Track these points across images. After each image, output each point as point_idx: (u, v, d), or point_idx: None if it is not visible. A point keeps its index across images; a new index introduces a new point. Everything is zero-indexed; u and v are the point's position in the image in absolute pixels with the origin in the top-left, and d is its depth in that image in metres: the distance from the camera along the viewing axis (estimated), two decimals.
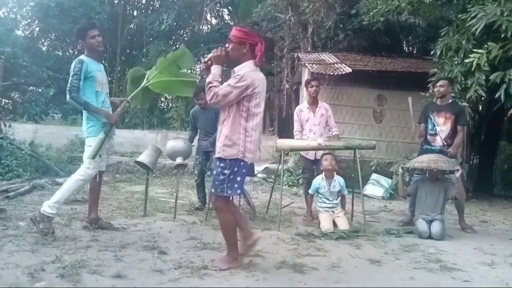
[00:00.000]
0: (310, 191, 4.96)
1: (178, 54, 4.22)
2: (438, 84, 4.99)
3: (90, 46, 3.90)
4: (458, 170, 4.51)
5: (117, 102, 4.16)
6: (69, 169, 7.63)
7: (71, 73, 3.74)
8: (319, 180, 4.86)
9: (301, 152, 5.41)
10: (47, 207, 3.61)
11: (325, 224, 4.48)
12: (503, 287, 3.03)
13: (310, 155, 5.26)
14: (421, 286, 2.93)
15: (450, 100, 5.07)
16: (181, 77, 4.31)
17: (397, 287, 2.91)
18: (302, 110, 5.35)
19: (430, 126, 5.01)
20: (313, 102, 5.32)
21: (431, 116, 4.99)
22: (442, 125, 4.92)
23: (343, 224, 4.54)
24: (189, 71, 4.54)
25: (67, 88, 3.74)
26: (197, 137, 5.63)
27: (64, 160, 8.47)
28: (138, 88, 4.19)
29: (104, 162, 4.06)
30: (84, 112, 3.88)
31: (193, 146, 5.49)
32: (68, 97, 3.74)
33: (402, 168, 5.01)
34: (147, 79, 4.16)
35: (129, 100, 4.18)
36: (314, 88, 5.29)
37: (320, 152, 5.16)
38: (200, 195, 5.48)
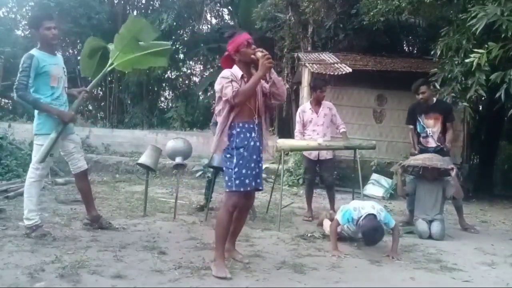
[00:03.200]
0: (341, 222, 3.86)
1: (132, 27, 3.94)
2: (419, 91, 4.99)
3: (44, 38, 3.64)
4: (452, 169, 4.51)
5: (74, 93, 3.92)
6: (68, 169, 7.59)
7: (20, 69, 3.50)
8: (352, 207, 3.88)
9: (304, 153, 5.38)
10: (26, 221, 3.59)
11: (328, 226, 4.36)
12: (503, 287, 3.02)
13: (313, 156, 5.22)
14: (421, 286, 2.92)
15: (435, 100, 5.11)
16: (150, 49, 4.08)
17: (397, 287, 2.91)
18: (304, 111, 5.32)
19: (419, 128, 5.05)
20: (317, 103, 5.28)
21: (419, 118, 5.03)
22: (432, 127, 4.99)
23: None
24: None
25: (14, 86, 3.51)
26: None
27: (63, 160, 8.31)
28: (100, 75, 4.02)
29: (82, 162, 3.92)
30: None
31: None
32: (15, 95, 3.54)
33: (400, 166, 4.97)
34: (110, 63, 3.96)
35: (87, 90, 3.96)
36: (323, 94, 5.25)
37: (323, 153, 5.14)
38: (207, 192, 5.41)
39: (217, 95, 3.13)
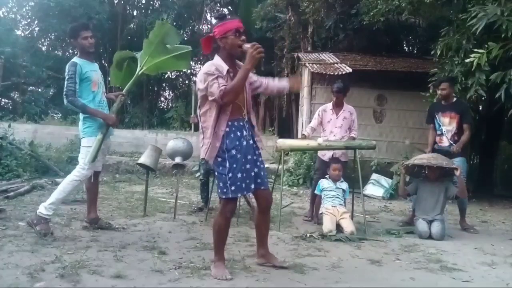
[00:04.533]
0: (316, 191, 4.89)
1: (160, 32, 4.14)
2: (440, 87, 5.04)
3: (82, 47, 3.89)
4: (457, 169, 4.51)
5: (112, 97, 4.14)
6: (68, 169, 7.58)
7: (66, 77, 3.73)
8: (324, 181, 4.84)
9: (319, 153, 5.34)
10: (43, 209, 3.60)
11: (328, 225, 4.34)
12: (503, 287, 3.02)
13: (327, 157, 5.15)
14: (421, 286, 2.92)
15: (454, 99, 5.11)
16: (173, 52, 4.27)
17: (397, 287, 2.91)
18: (325, 110, 5.24)
19: (436, 126, 5.05)
20: (338, 104, 5.19)
21: (436, 116, 5.03)
22: (447, 125, 4.96)
23: (348, 226, 4.36)
24: None
25: (64, 93, 3.73)
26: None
27: (63, 160, 8.46)
28: (133, 78, 4.19)
29: (100, 163, 4.04)
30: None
31: None
32: (65, 101, 3.74)
33: (403, 166, 4.95)
34: (140, 67, 4.14)
35: (124, 94, 4.17)
36: (336, 99, 5.14)
37: (338, 153, 5.11)
38: (203, 195, 5.44)
39: (200, 93, 2.82)
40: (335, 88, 5.14)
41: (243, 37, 2.78)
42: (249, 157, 2.85)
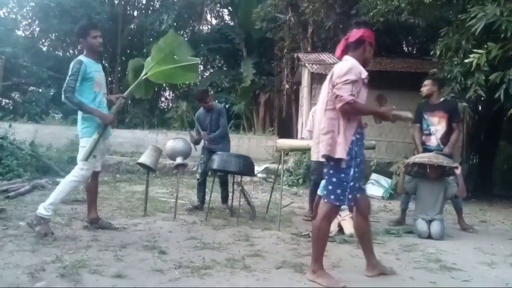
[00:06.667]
0: (319, 192, 4.63)
1: (171, 42, 4.14)
2: (423, 84, 5.05)
3: (90, 46, 3.88)
4: (457, 167, 4.51)
5: (113, 99, 4.11)
6: (69, 169, 7.50)
7: (69, 73, 3.71)
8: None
9: None
10: (42, 209, 3.60)
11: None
12: (503, 287, 3.03)
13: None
14: (421, 286, 2.93)
15: (442, 99, 5.11)
16: (181, 63, 4.23)
17: (397, 287, 2.92)
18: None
19: (424, 126, 5.04)
20: None
21: (424, 116, 5.02)
22: (436, 125, 4.95)
23: (348, 228, 4.35)
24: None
25: (63, 88, 3.71)
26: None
27: (64, 160, 8.48)
28: (135, 83, 4.17)
29: (99, 163, 4.04)
30: (79, 112, 3.86)
31: (196, 149, 5.54)
32: (63, 96, 3.71)
33: (404, 165, 4.94)
34: (145, 72, 4.13)
35: (124, 96, 4.15)
36: None
37: None
38: (199, 195, 5.49)
39: (342, 79, 2.71)
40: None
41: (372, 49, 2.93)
42: (363, 166, 2.90)
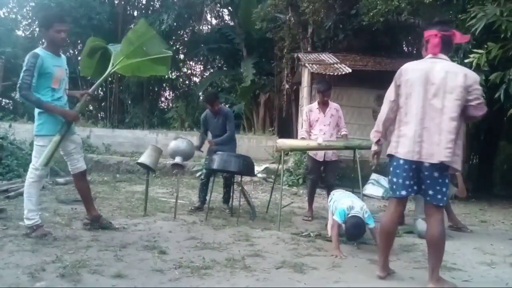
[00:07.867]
0: (339, 221, 3.87)
1: (142, 35, 3.98)
2: None
3: (51, 40, 3.58)
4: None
5: (77, 95, 3.91)
6: (69, 169, 7.62)
7: (24, 68, 3.43)
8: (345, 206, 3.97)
9: (310, 153, 5.36)
10: (27, 220, 3.59)
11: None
12: (503, 287, 3.03)
13: (319, 156, 5.20)
14: (421, 286, 2.93)
15: None
16: (151, 55, 4.10)
17: (397, 287, 2.92)
18: (312, 110, 5.30)
19: None
20: (325, 103, 5.25)
21: None
22: None
23: None
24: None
25: (18, 85, 3.42)
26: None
27: (64, 160, 8.41)
28: (101, 78, 4.06)
29: (82, 162, 3.90)
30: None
31: (201, 151, 5.56)
32: (18, 94, 3.48)
33: None
34: (112, 65, 3.98)
35: (90, 93, 3.95)
36: (325, 98, 5.20)
37: (329, 154, 5.14)
38: (201, 195, 5.47)
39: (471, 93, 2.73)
40: (324, 88, 5.22)
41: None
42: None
